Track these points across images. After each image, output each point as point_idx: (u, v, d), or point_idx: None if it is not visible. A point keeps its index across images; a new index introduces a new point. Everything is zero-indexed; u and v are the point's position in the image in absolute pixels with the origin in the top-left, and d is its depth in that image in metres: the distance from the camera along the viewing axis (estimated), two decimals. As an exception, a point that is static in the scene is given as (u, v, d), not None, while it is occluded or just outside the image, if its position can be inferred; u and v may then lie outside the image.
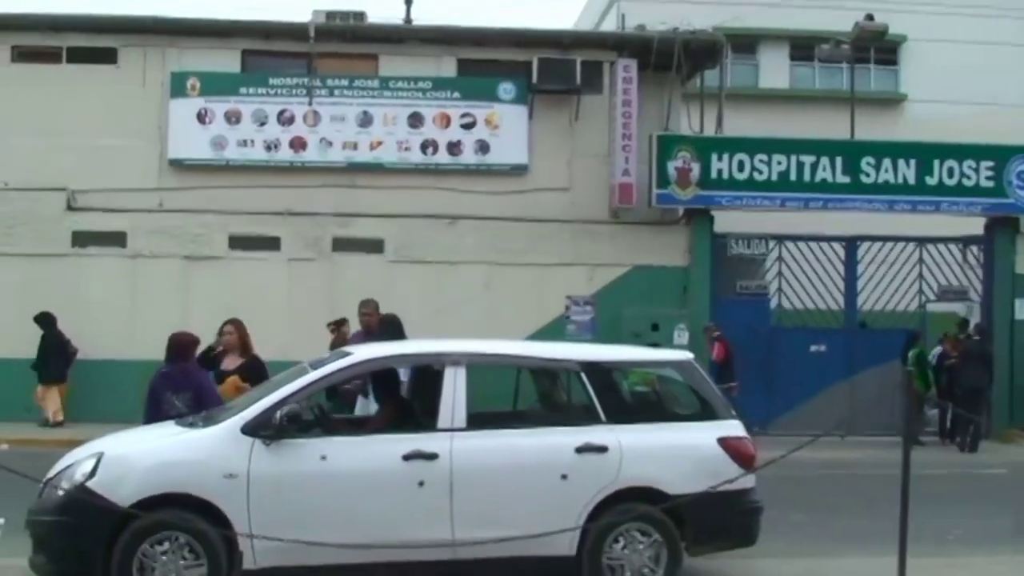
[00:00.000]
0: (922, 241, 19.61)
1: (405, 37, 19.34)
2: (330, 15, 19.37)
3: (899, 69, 28.36)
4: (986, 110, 26.15)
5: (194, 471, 7.07)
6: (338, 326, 14.33)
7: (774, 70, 27.97)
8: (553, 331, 18.05)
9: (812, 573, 8.80)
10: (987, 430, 18.29)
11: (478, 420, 7.68)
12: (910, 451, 7.67)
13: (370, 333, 10.87)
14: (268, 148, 18.83)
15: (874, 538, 8.94)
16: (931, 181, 19.07)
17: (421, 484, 7.25)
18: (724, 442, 7.85)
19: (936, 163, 19.10)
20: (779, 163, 18.88)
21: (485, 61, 19.38)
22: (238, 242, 18.61)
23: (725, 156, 18.82)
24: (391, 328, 10.58)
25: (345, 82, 18.99)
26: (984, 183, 19.16)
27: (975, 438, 17.73)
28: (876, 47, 26.83)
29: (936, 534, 9.95)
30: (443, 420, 7.49)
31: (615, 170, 18.74)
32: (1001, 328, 19.29)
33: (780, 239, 19.47)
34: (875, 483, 10.67)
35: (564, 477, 7.45)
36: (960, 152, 19.31)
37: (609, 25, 26.83)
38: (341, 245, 18.72)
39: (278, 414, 7.14)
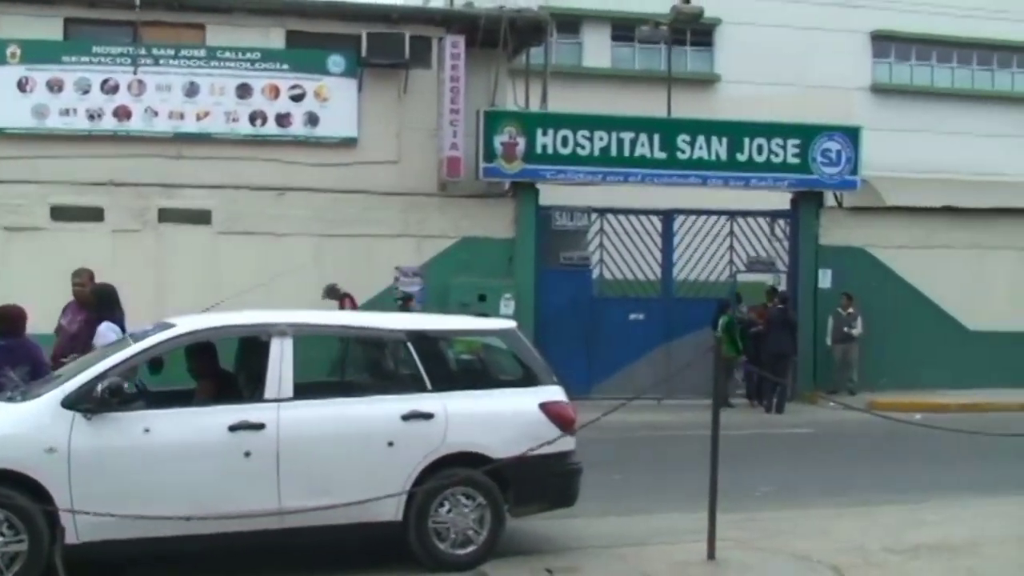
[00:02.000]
0: (733, 215, 20.48)
1: (233, 7, 19.06)
2: (155, -18, 18.96)
3: (714, 51, 29.51)
4: (794, 91, 27.53)
5: (12, 445, 6.94)
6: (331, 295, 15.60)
7: (597, 50, 28.71)
8: (382, 302, 18.19)
9: (626, 530, 9.18)
10: (793, 392, 19.34)
11: (305, 390, 7.73)
12: (719, 413, 8.14)
13: (85, 304, 10.36)
14: (91, 117, 18.34)
15: (687, 496, 9.33)
16: (742, 158, 19.90)
17: (248, 455, 7.30)
18: (545, 407, 8.11)
19: (747, 141, 19.92)
20: (601, 139, 19.42)
21: (314, 34, 19.28)
22: (60, 213, 18.07)
23: (550, 132, 19.25)
24: (105, 299, 10.03)
25: (171, 51, 18.63)
26: (791, 160, 20.11)
27: (781, 400, 18.77)
28: (692, 29, 27.82)
29: (744, 490, 10.57)
30: (270, 391, 7.53)
31: (443, 144, 18.97)
32: (806, 297, 20.38)
33: (601, 212, 20.08)
34: (689, 443, 11.24)
35: (391, 444, 7.62)
36: (769, 130, 20.21)
37: (438, 2, 27.00)
38: (167, 216, 18.39)
39: (99, 387, 7.05)
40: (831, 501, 10.45)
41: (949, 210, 21.57)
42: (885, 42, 30.83)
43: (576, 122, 19.54)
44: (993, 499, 10.43)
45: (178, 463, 7.22)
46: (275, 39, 19.13)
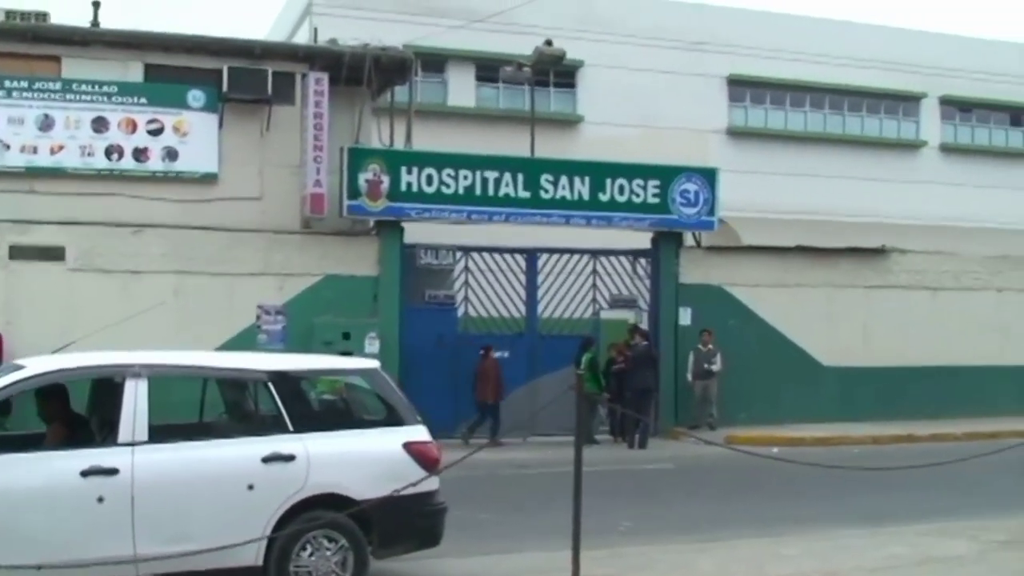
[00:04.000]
0: (596, 253, 20.80)
1: (90, 40, 18.59)
2: (10, 14, 18.38)
3: (576, 92, 30.01)
4: (654, 132, 28.22)
5: None
6: None
7: (461, 89, 28.92)
8: (244, 341, 17.87)
9: (491, 569, 9.22)
10: (655, 428, 19.65)
11: (161, 433, 7.59)
12: (582, 449, 8.20)
13: None
14: (-60, 150, 17.63)
15: (551, 533, 9.37)
16: (604, 198, 20.21)
17: (101, 500, 7.11)
18: (409, 447, 8.09)
19: (608, 181, 20.26)
20: (465, 178, 19.50)
21: (174, 68, 18.90)
22: (-97, 248, 17.31)
23: (414, 170, 19.24)
24: None
25: (25, 83, 18.06)
26: (651, 200, 20.51)
27: (644, 436, 19.05)
28: (555, 71, 28.27)
29: (608, 526, 10.68)
30: (124, 434, 7.35)
31: (307, 181, 18.79)
32: (667, 334, 20.76)
33: (466, 250, 20.16)
34: (554, 480, 11.30)
35: (251, 487, 7.50)
36: (630, 171, 20.59)
37: (301, 38, 26.88)
38: (18, 253, 17.70)
39: (-57, 431, 6.85)
40: (693, 536, 10.62)
41: (802, 249, 22.31)
42: (740, 87, 31.84)
43: (441, 161, 19.58)
44: (847, 531, 10.76)
45: (28, 510, 7.00)
46: (133, 73, 18.71)
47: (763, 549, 9.91)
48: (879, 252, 22.89)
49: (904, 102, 33.73)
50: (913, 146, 33.71)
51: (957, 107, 34.55)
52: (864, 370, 22.12)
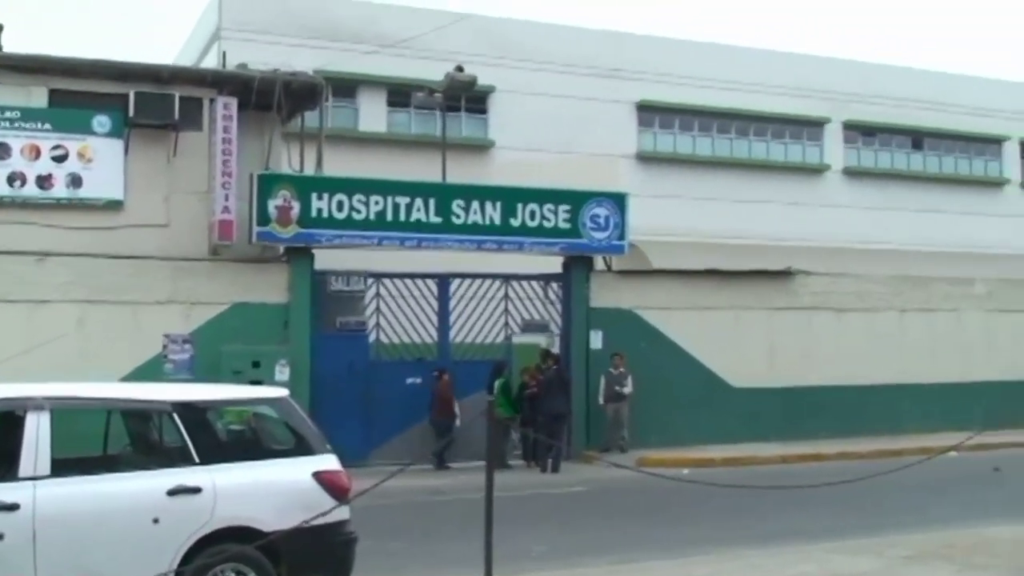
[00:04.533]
0: (508, 278, 20.88)
1: (-10, 64, 18.19)
2: (-94, 37, 17.93)
3: (488, 117, 30.13)
4: (565, 157, 28.48)
5: None
6: None
7: (372, 114, 28.86)
8: (151, 370, 17.57)
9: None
10: (568, 452, 19.75)
11: (64, 467, 7.44)
12: (493, 475, 8.23)
13: None
14: None
15: (464, 559, 9.39)
16: (515, 223, 20.31)
17: (1, 537, 6.94)
18: (319, 476, 8.04)
19: (520, 206, 20.37)
20: (376, 203, 19.44)
21: (80, 92, 18.54)
22: None
23: (325, 196, 19.12)
24: None
25: (-78, 109, 17.62)
26: (562, 225, 20.66)
27: (557, 460, 19.13)
28: (467, 96, 28.39)
29: (521, 552, 10.70)
30: (25, 468, 7.18)
31: (215, 207, 18.56)
32: (578, 358, 20.89)
33: (378, 276, 20.09)
34: (467, 506, 11.30)
35: (156, 521, 7.38)
36: (541, 196, 20.73)
37: (210, 62, 26.62)
38: (-85, 283, 17.23)
39: None
40: (606, 559, 10.69)
41: (711, 272, 22.66)
42: (650, 112, 32.27)
43: (352, 186, 19.50)
44: (757, 550, 10.91)
45: (-80, 550, 6.77)
46: (37, 97, 18.33)
47: (675, 571, 10.01)
48: (785, 274, 23.36)
49: (808, 127, 34.47)
50: (817, 170, 34.45)
51: (860, 131, 35.39)
52: (771, 390, 22.50)
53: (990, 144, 37.18)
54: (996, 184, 37.16)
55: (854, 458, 19.46)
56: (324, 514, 7.75)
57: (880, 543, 10.94)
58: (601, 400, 20.78)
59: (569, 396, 19.88)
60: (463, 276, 20.65)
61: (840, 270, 24.51)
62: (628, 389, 20.75)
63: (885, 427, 22.69)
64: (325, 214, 19.07)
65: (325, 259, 19.65)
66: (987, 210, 36.26)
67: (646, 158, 31.96)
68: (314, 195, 19.04)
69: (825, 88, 33.91)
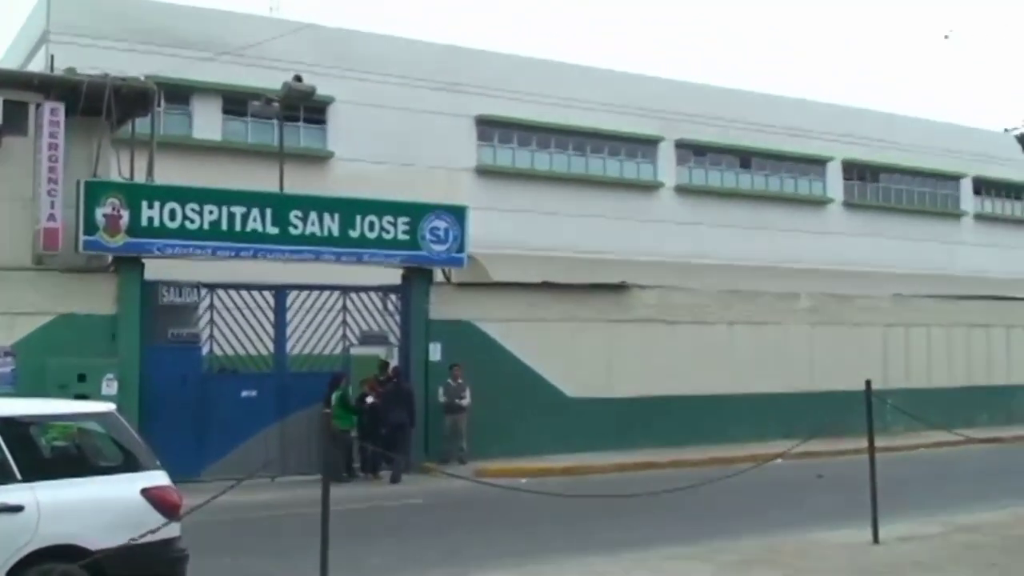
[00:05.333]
0: (346, 290, 20.68)
1: None
2: None
3: (327, 128, 29.85)
4: (405, 169, 28.48)
5: None
6: None
7: (207, 122, 28.23)
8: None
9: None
10: (408, 463, 19.65)
11: None
12: (329, 488, 8.14)
13: None
14: None
15: (300, 574, 9.32)
16: (354, 234, 20.13)
17: None
18: (148, 493, 7.87)
19: (359, 217, 20.21)
20: (211, 213, 18.99)
21: None
22: None
23: (156, 204, 18.58)
24: None
25: None
26: (401, 237, 20.59)
27: (397, 472, 19.07)
28: (305, 106, 28.05)
29: (357, 564, 10.60)
30: None
31: (40, 215, 17.84)
32: (417, 370, 20.85)
33: (212, 287, 19.61)
34: (303, 521, 11.15)
35: (-27, 541, 7.08)
36: (380, 208, 20.62)
37: (37, 66, 25.60)
38: None
39: None
40: (442, 570, 10.70)
41: (548, 285, 22.94)
42: (489, 127, 32.51)
43: (185, 195, 18.99)
44: (594, 558, 11.08)
45: None
46: None
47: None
48: (620, 288, 23.84)
49: (643, 145, 35.31)
50: (651, 187, 35.30)
51: (691, 150, 36.45)
52: (608, 401, 22.92)
53: (814, 164, 38.76)
54: (820, 203, 38.75)
55: (686, 466, 19.97)
56: (153, 531, 7.58)
57: (710, 549, 11.24)
58: (440, 412, 20.75)
59: (412, 407, 19.83)
60: (300, 287, 20.34)
61: (673, 284, 25.16)
62: (466, 400, 20.82)
63: (716, 436, 23.33)
64: (156, 223, 18.52)
65: (157, 269, 19.08)
66: (811, 227, 37.82)
67: (485, 172, 32.18)
68: (144, 203, 18.47)
69: (659, 108, 34.83)
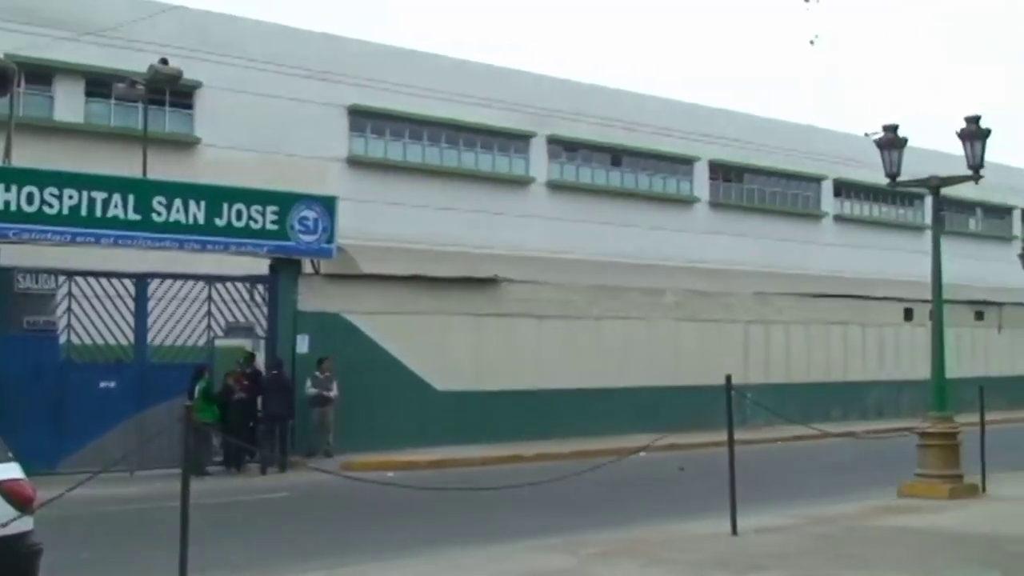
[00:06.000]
0: (211, 279, 20.25)
1: None
2: None
3: (194, 113, 29.19)
4: (274, 158, 28.05)
5: None
6: None
7: (69, 104, 27.34)
8: None
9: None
10: (284, 457, 19.32)
11: None
12: (188, 482, 7.97)
13: None
14: None
15: (158, 569, 9.08)
16: (221, 222, 19.67)
17: None
18: (-1, 485, 7.60)
19: (226, 205, 19.76)
20: (71, 197, 18.36)
21: None
22: None
23: (13, 188, 17.88)
24: None
25: None
26: (270, 226, 20.23)
27: (264, 465, 18.84)
28: (171, 90, 27.39)
29: (218, 560, 10.39)
30: None
31: None
32: (285, 361, 20.58)
33: (70, 274, 19.01)
34: (163, 515, 10.86)
35: None
36: (248, 196, 20.23)
37: None
38: None
39: None
40: (306, 565, 10.54)
41: (418, 278, 22.90)
42: (362, 117, 32.24)
43: (43, 179, 18.33)
44: (459, 551, 11.08)
45: None
46: None
47: (380, 574, 10.01)
48: (490, 281, 23.95)
49: (515, 140, 35.48)
50: (523, 182, 35.51)
51: (563, 147, 36.76)
52: (476, 394, 23.01)
53: (682, 164, 39.50)
54: (687, 202, 39.52)
55: (552, 459, 20.11)
56: (3, 525, 7.29)
57: (574, 541, 11.35)
58: (307, 404, 20.56)
59: (290, 399, 19.63)
60: (163, 276, 19.87)
61: (542, 279, 25.38)
62: (334, 393, 20.66)
63: (583, 430, 23.64)
64: (13, 207, 17.84)
65: (12, 255, 18.39)
66: (678, 226, 38.53)
67: (357, 163, 31.92)
68: (0, 186, 17.78)
69: (532, 103, 35.04)
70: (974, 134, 14.94)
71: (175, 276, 19.96)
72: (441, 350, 22.74)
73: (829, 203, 44.09)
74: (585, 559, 10.40)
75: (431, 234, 30.99)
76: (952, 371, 16.50)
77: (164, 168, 23.64)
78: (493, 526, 12.88)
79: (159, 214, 19.17)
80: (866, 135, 15.97)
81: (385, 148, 32.98)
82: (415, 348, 22.41)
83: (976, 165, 14.93)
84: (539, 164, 36.05)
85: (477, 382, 23.13)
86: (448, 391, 22.69)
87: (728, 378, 11.60)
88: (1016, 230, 50.41)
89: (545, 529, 12.34)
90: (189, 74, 25.22)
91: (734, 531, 11.49)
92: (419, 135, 33.63)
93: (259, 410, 19.84)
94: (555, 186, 36.27)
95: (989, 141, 15.00)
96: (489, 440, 22.20)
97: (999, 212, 50.28)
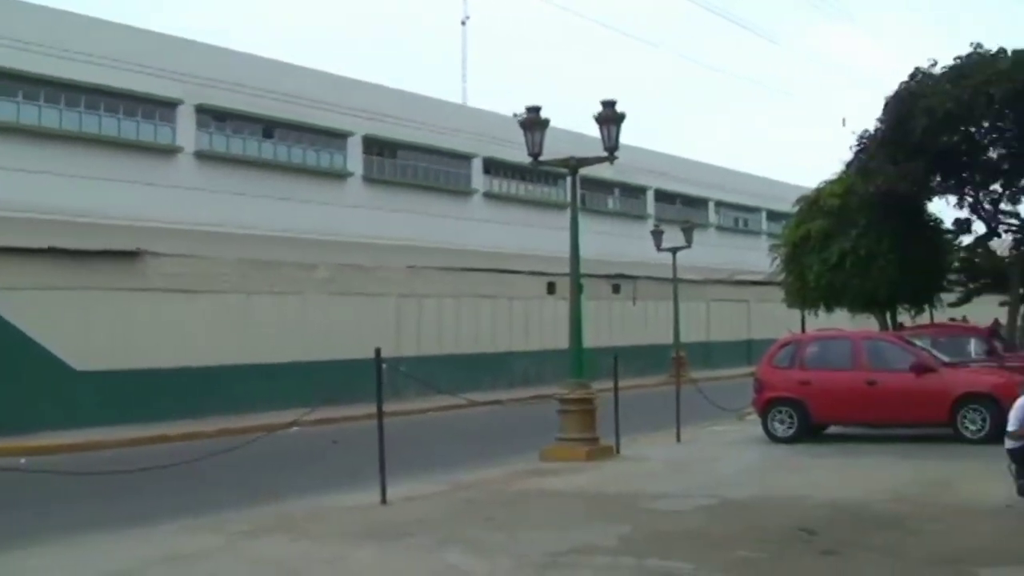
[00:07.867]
0: None
1: None
2: None
3: None
4: None
5: None
6: None
7: None
8: None
9: None
10: None
11: None
12: None
13: None
14: None
15: None
16: None
17: None
18: None
19: None
20: None
21: None
22: None
23: None
24: None
25: None
26: None
27: None
28: None
29: None
30: None
31: None
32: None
33: None
34: None
35: None
36: None
37: None
38: None
39: None
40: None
41: (56, 251, 21.60)
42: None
43: None
44: (95, 536, 10.62)
45: None
46: None
47: (5, 565, 9.43)
48: (134, 255, 22.99)
49: (161, 107, 33.93)
50: (169, 151, 34.09)
51: (213, 116, 35.58)
52: (122, 373, 22.08)
53: (336, 138, 39.36)
54: (340, 176, 39.45)
55: (199, 438, 19.65)
56: None
57: (220, 520, 11.18)
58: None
59: None
60: None
61: (191, 252, 24.63)
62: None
63: (233, 406, 23.20)
64: None
65: None
66: (332, 200, 38.38)
67: (-15, 125, 29.51)
68: None
69: (179, 69, 33.60)
70: (610, 118, 15.88)
71: None
72: (82, 327, 21.60)
73: (480, 180, 45.42)
74: (233, 537, 10.27)
75: (70, 205, 29.08)
76: (589, 341, 17.55)
77: None
78: (135, 510, 12.43)
79: None
80: (514, 115, 16.72)
81: (17, 111, 30.65)
82: (52, 326, 21.17)
83: (612, 147, 15.88)
84: (187, 133, 34.73)
85: (122, 360, 22.16)
86: (90, 371, 21.60)
87: (378, 351, 11.77)
88: (650, 208, 53.99)
89: (190, 510, 12.04)
90: None
91: (383, 501, 11.72)
92: (56, 98, 31.45)
93: None
94: (204, 156, 35.05)
95: (625, 125, 15.96)
96: (136, 420, 21.38)
97: (635, 192, 53.63)
